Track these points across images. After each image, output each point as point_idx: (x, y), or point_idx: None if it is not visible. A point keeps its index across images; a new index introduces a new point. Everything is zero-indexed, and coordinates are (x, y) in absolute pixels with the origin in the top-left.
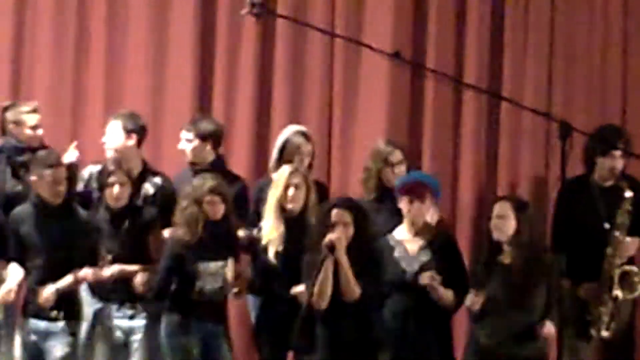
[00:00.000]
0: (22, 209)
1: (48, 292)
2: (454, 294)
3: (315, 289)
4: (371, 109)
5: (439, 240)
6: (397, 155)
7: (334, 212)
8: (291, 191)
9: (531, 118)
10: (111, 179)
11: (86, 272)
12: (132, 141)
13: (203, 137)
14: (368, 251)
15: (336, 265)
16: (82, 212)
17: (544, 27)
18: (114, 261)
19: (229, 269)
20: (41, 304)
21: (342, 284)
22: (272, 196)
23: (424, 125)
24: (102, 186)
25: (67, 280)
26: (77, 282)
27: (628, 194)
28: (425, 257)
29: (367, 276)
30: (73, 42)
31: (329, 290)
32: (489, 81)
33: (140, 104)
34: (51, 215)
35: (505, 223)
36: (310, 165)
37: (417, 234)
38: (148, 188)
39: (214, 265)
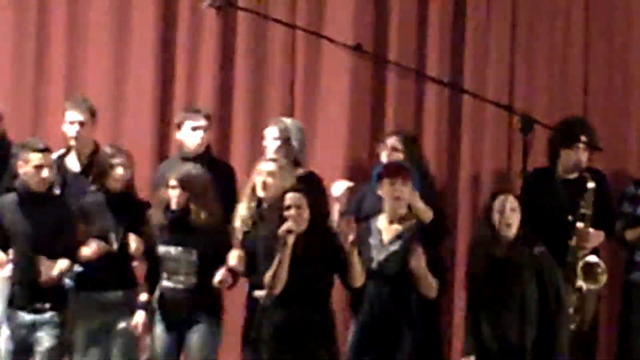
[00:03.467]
0: (6, 198)
1: (57, 269)
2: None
3: (270, 275)
4: (333, 102)
5: (413, 230)
6: (391, 141)
7: (288, 195)
8: (259, 180)
9: (493, 111)
10: (115, 161)
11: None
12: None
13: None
14: (326, 234)
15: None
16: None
17: (505, 19)
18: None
19: (191, 257)
20: (44, 282)
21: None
22: (248, 183)
23: (385, 118)
24: (101, 169)
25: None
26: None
27: (590, 185)
28: (394, 247)
29: (324, 259)
30: (34, 25)
31: (283, 277)
32: (451, 74)
33: (102, 96)
34: (36, 203)
35: (514, 216)
36: None
37: (392, 222)
38: None
39: (174, 251)
